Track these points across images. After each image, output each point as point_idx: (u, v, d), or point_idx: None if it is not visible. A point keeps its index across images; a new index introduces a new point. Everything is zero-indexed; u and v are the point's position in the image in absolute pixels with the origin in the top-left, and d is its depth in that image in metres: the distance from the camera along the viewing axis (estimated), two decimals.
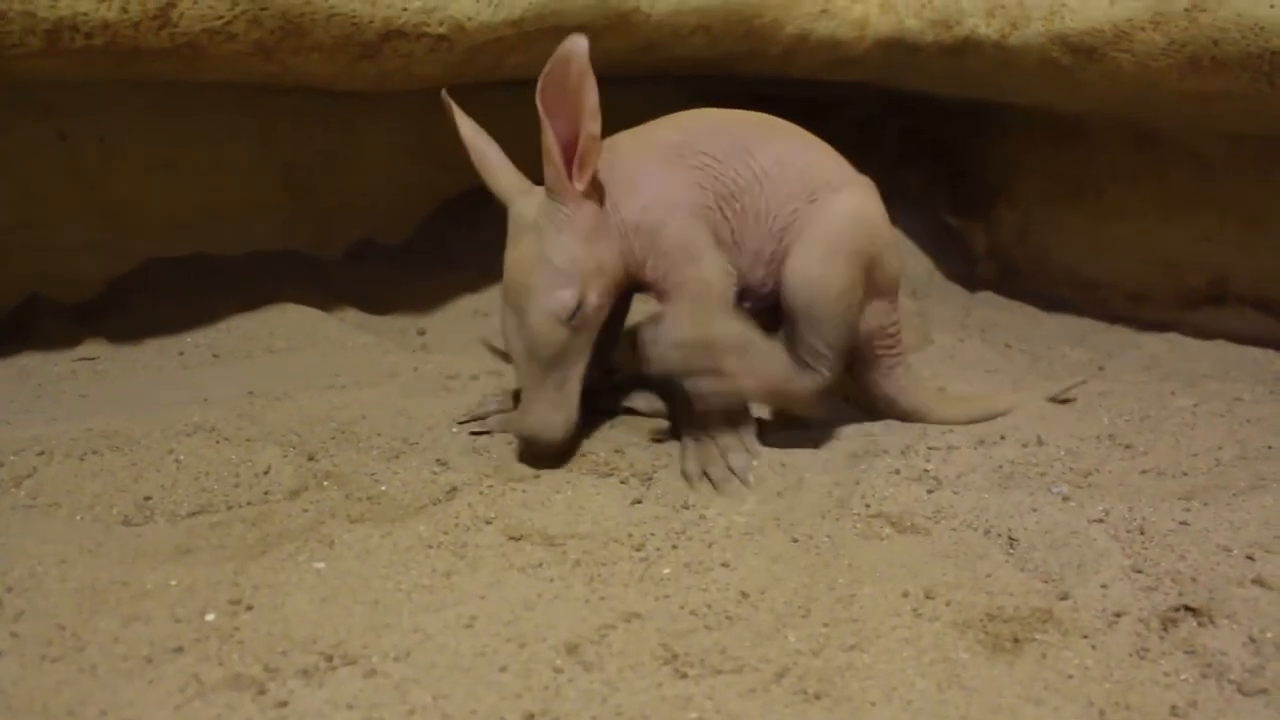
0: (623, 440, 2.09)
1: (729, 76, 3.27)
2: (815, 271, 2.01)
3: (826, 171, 2.12)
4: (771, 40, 2.91)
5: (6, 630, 1.38)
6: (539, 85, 1.77)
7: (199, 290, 2.81)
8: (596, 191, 1.90)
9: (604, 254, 1.91)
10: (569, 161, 1.84)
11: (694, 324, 1.90)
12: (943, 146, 4.10)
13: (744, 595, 1.59)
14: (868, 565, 1.71)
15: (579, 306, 1.88)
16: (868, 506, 1.92)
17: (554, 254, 1.86)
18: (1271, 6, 2.33)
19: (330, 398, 2.18)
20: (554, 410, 1.92)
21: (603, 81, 2.06)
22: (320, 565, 1.56)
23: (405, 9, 2.18)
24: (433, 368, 2.46)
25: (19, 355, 2.52)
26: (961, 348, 2.98)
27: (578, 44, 1.77)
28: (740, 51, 2.91)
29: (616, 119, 2.85)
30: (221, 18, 2.00)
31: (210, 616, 1.43)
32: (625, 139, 2.05)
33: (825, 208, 2.06)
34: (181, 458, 1.86)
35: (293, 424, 2.03)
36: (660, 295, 2.01)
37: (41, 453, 1.86)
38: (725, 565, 1.67)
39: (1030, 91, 3.09)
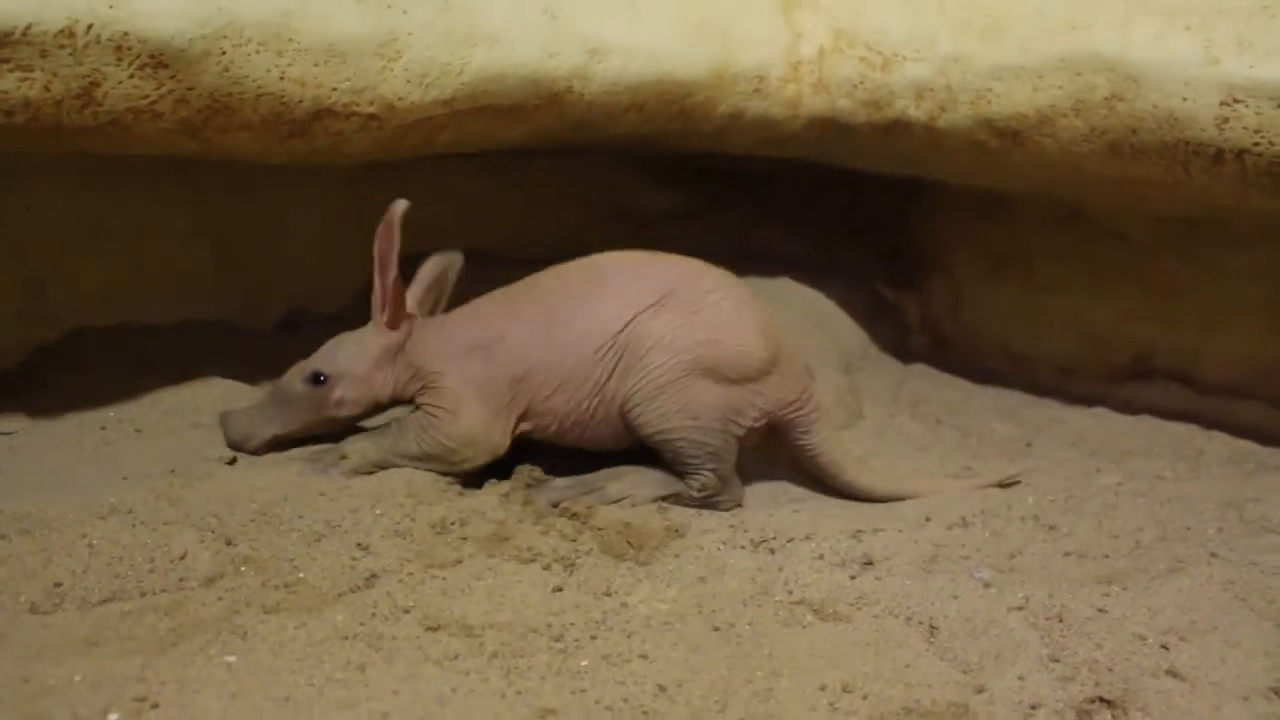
0: (549, 521, 2.08)
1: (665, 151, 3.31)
2: (650, 418, 2.23)
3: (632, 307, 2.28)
4: (705, 119, 2.95)
5: None
6: (379, 230, 2.20)
7: (124, 362, 2.76)
8: (405, 330, 2.31)
9: (378, 377, 2.31)
10: (384, 296, 2.27)
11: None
12: (878, 220, 4.16)
13: (661, 689, 1.59)
14: (787, 656, 1.71)
15: (324, 384, 2.28)
16: (790, 593, 1.92)
17: (347, 344, 2.31)
18: (1184, 100, 2.40)
19: (252, 477, 2.15)
20: (245, 423, 2.34)
21: (539, 154, 2.20)
22: (231, 659, 1.53)
23: (335, 89, 2.18)
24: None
25: None
26: (892, 423, 3.00)
27: (394, 210, 2.20)
28: (674, 130, 2.94)
29: (550, 191, 2.85)
30: (147, 97, 2.00)
31: (113, 716, 1.40)
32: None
33: (642, 347, 2.25)
34: (95, 542, 1.82)
35: (213, 505, 2.00)
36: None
37: None
38: (644, 657, 1.66)
39: (959, 171, 3.15)
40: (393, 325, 2.29)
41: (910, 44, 2.94)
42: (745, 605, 1.87)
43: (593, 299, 2.26)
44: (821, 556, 2.07)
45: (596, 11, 2.58)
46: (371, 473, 2.21)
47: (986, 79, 2.78)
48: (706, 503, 2.28)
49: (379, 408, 2.35)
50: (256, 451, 2.32)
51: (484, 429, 2.23)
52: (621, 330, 2.23)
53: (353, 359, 2.29)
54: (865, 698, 1.60)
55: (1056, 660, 1.71)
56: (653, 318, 2.23)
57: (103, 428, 2.46)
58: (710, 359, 2.23)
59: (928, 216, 3.93)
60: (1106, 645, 1.74)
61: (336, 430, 2.36)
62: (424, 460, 2.23)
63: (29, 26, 1.82)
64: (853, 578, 1.99)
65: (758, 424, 2.31)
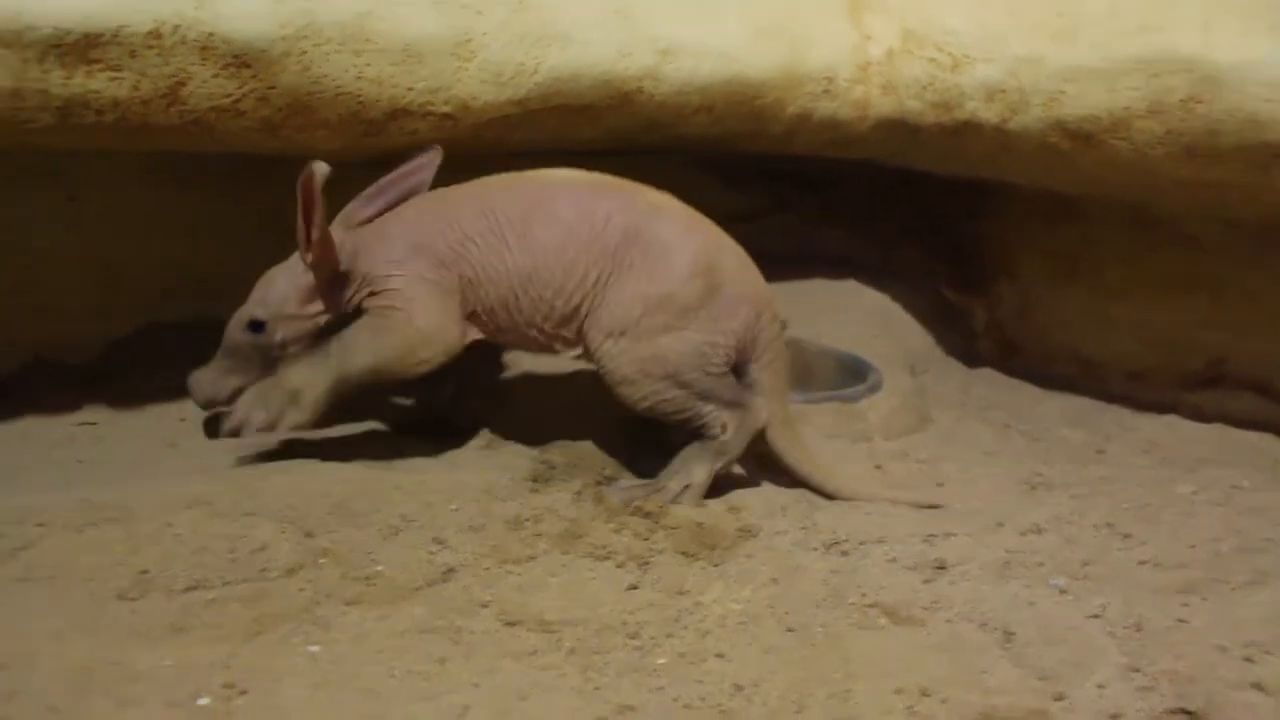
0: (621, 520, 2.08)
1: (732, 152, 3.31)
2: (634, 399, 2.25)
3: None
4: (773, 120, 2.95)
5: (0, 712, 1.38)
6: (300, 178, 2.12)
7: (195, 355, 2.81)
8: (329, 264, 2.25)
9: (310, 311, 2.29)
10: (309, 238, 2.20)
11: None
12: (943, 223, 4.12)
13: (738, 688, 1.59)
14: (862, 658, 1.70)
15: (262, 331, 2.27)
16: (864, 596, 1.92)
17: (273, 284, 2.30)
18: (1266, 101, 2.36)
19: (328, 471, 2.17)
20: (206, 383, 2.31)
21: (606, 155, 2.19)
22: (315, 649, 1.56)
23: (411, 88, 2.21)
24: (429, 442, 2.46)
25: (20, 418, 2.53)
26: (960, 428, 2.98)
27: (318, 169, 2.11)
28: (743, 131, 2.94)
29: None
30: (230, 96, 2.04)
31: (204, 701, 1.43)
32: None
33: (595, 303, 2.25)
34: (179, 532, 1.86)
35: (290, 498, 2.03)
36: None
37: (40, 524, 1.85)
38: (720, 656, 1.66)
39: (1029, 173, 3.13)
40: (317, 267, 2.26)
41: (981, 45, 2.91)
42: (819, 607, 1.87)
43: (540, 233, 2.23)
44: (894, 560, 2.05)
45: (668, 12, 2.59)
46: (324, 409, 2.24)
47: (1059, 80, 2.75)
48: (740, 434, 2.27)
49: (327, 332, 2.33)
50: (228, 403, 2.30)
51: (440, 325, 2.23)
52: (565, 275, 2.22)
53: (282, 299, 2.28)
54: (943, 702, 1.59)
55: (1136, 670, 1.69)
56: (595, 269, 2.22)
57: (181, 419, 2.51)
58: (657, 314, 2.21)
59: (994, 219, 3.89)
60: (1187, 656, 1.72)
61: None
62: (376, 371, 2.23)
63: (119, 28, 1.86)
64: (926, 582, 1.98)
65: (731, 352, 2.28)
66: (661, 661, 1.63)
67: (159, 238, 2.94)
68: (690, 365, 2.22)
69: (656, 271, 2.21)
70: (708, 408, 2.25)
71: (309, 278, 2.27)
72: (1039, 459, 2.79)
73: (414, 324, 2.21)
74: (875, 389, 2.91)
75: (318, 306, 2.29)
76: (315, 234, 2.17)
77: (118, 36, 1.87)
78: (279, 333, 2.27)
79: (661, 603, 1.80)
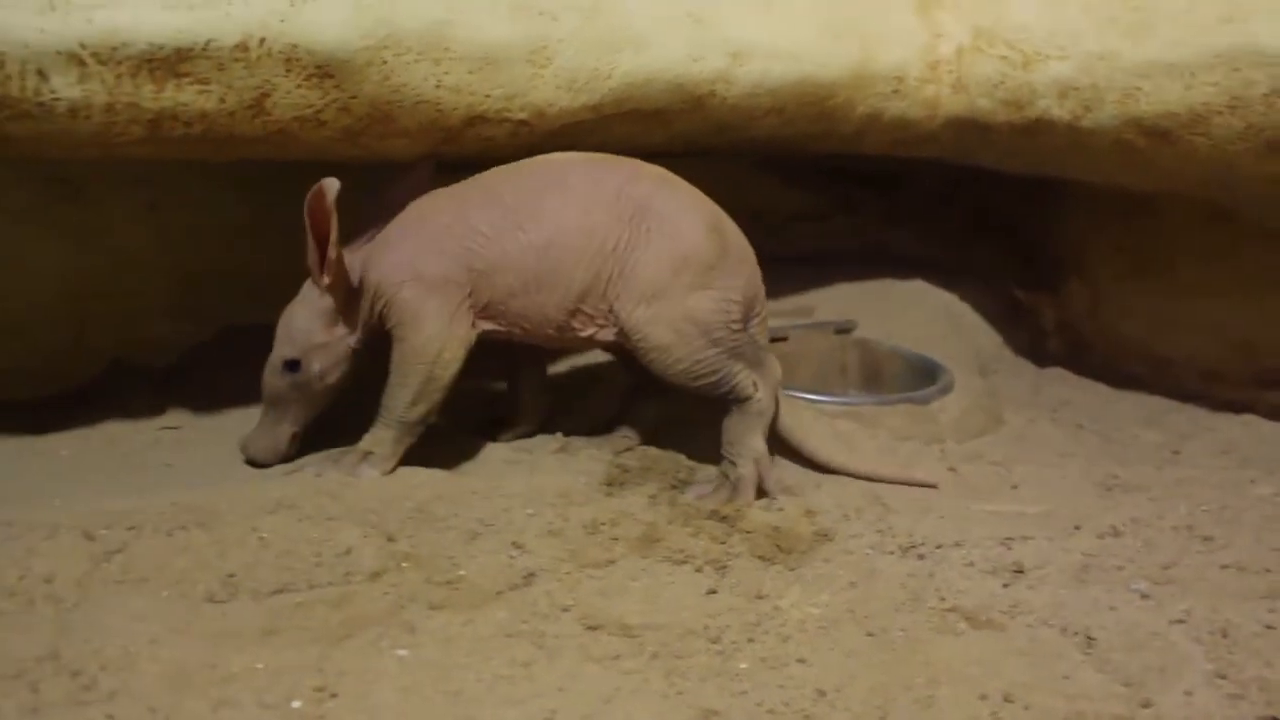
0: (697, 524, 2.09)
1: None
2: (673, 372, 2.29)
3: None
4: (843, 120, 2.94)
5: (102, 711, 1.42)
6: (307, 198, 2.14)
7: None
8: (344, 284, 2.29)
9: (338, 334, 2.32)
10: (322, 260, 2.22)
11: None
12: (1012, 221, 4.09)
13: (821, 693, 1.59)
14: (944, 663, 1.70)
15: (298, 369, 2.29)
16: (942, 600, 1.91)
17: (293, 321, 2.33)
18: None
19: (407, 475, 2.21)
20: (261, 438, 2.36)
21: (670, 157, 2.30)
22: (403, 653, 1.58)
23: (488, 95, 2.23)
24: (505, 446, 2.48)
25: (105, 422, 2.59)
26: (1033, 428, 2.95)
27: (328, 185, 2.13)
28: (813, 132, 2.93)
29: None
30: (312, 106, 2.07)
31: (297, 704, 1.46)
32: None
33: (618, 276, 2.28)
34: (265, 535, 1.90)
35: (372, 502, 2.06)
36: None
37: (131, 527, 1.90)
38: (802, 661, 1.67)
39: (1103, 171, 3.09)
40: (334, 289, 2.28)
41: (1053, 41, 2.88)
42: (897, 611, 1.86)
43: (554, 206, 2.26)
44: (972, 564, 2.05)
45: (739, 14, 2.59)
46: (398, 457, 2.26)
47: (1134, 77, 2.71)
48: (770, 391, 2.33)
49: (360, 355, 2.37)
50: (290, 456, 2.36)
51: (446, 326, 2.25)
52: (587, 244, 2.24)
53: (308, 330, 2.31)
54: (1027, 708, 1.58)
55: (1224, 677, 1.67)
56: (615, 235, 2.25)
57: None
58: (683, 274, 2.24)
59: (1065, 217, 3.85)
60: (1277, 663, 1.69)
61: (348, 391, 2.40)
62: (421, 399, 2.25)
63: (208, 42, 1.91)
64: (1005, 586, 1.97)
65: (741, 309, 2.32)
66: (744, 666, 1.64)
67: (237, 243, 3.00)
68: (718, 323, 2.27)
69: (675, 234, 2.26)
70: (738, 367, 2.28)
71: (326, 302, 2.30)
72: (1114, 460, 2.76)
73: (424, 333, 2.24)
74: (947, 390, 2.90)
75: (342, 329, 2.33)
76: (332, 253, 2.20)
77: (206, 50, 1.91)
78: (314, 364, 2.31)
79: (741, 607, 1.81)
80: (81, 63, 1.84)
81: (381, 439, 2.25)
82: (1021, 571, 2.03)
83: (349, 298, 2.30)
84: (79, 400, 2.72)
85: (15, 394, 2.71)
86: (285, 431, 2.35)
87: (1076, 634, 1.81)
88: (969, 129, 3.12)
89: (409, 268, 2.26)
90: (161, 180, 2.88)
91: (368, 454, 2.24)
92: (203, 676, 1.51)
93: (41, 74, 1.82)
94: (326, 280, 2.25)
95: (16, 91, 1.82)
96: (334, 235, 2.18)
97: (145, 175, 2.84)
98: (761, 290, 2.41)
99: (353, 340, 2.33)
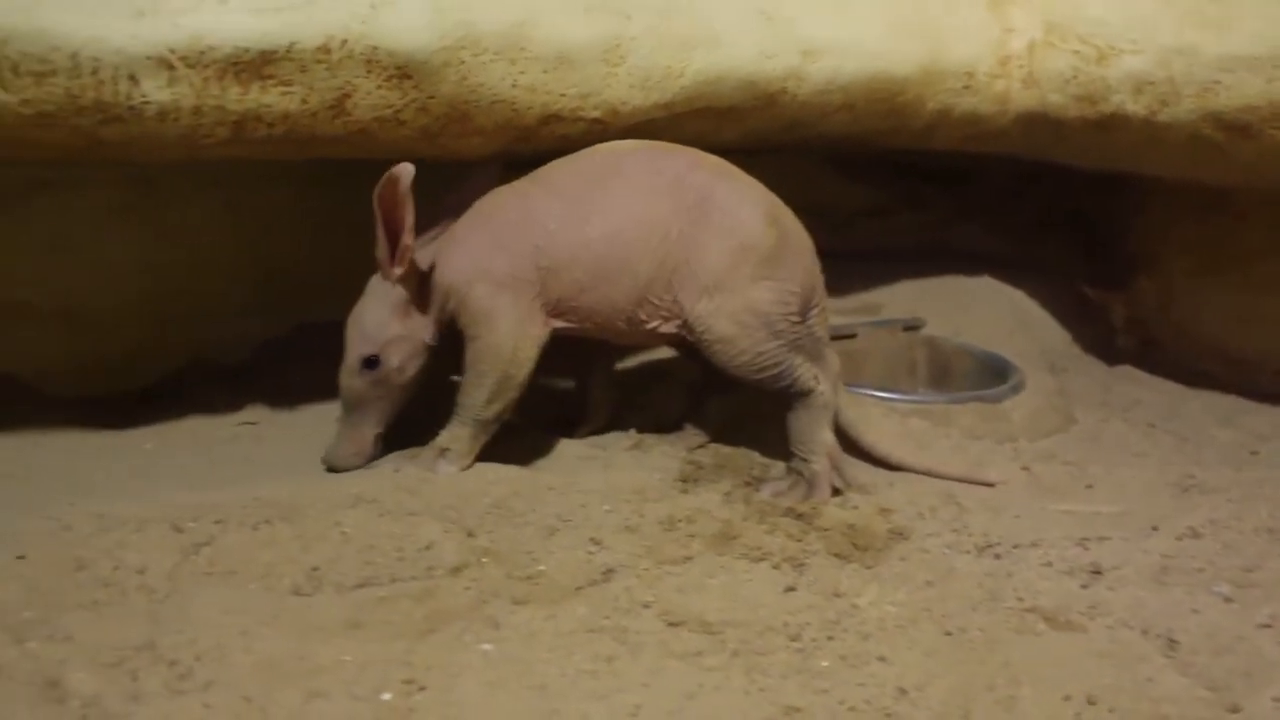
0: (773, 521, 2.10)
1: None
2: (737, 365, 2.28)
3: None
4: (913, 116, 2.92)
5: (199, 700, 1.45)
6: (377, 187, 2.12)
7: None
8: (415, 275, 2.27)
9: (413, 327, 2.30)
10: (393, 251, 2.21)
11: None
12: (1081, 216, 4.04)
13: (902, 692, 1.59)
14: (1024, 664, 1.69)
15: (377, 365, 2.26)
16: (1020, 600, 1.90)
17: (365, 317, 2.31)
18: None
19: (483, 471, 2.23)
20: (345, 443, 2.34)
21: (735, 153, 2.32)
22: (487, 647, 1.60)
23: (563, 94, 2.25)
24: (578, 443, 2.50)
25: (185, 418, 2.64)
26: (1105, 428, 2.92)
27: (404, 171, 2.12)
28: (882, 128, 2.92)
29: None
30: (392, 106, 2.10)
31: (386, 696, 1.48)
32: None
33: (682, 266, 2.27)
34: (346, 530, 1.93)
35: (450, 498, 2.09)
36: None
37: (218, 521, 1.93)
38: (882, 659, 1.67)
39: (1178, 166, 3.05)
40: (406, 279, 2.27)
41: (1128, 35, 2.85)
42: (975, 610, 1.86)
43: (617, 196, 2.26)
44: (1049, 564, 2.03)
45: (810, 11, 2.58)
46: (475, 454, 2.27)
47: (1214, 71, 2.68)
48: (831, 384, 2.34)
49: (434, 349, 2.35)
50: (375, 458, 2.35)
51: (519, 324, 2.25)
52: (651, 233, 2.24)
53: (381, 325, 2.29)
54: (1111, 711, 1.57)
55: None
56: (679, 224, 2.24)
57: (337, 419, 2.59)
58: (744, 265, 2.24)
59: (1135, 212, 3.80)
60: None
61: (422, 387, 2.39)
62: (497, 397, 2.25)
63: (291, 45, 1.94)
64: (1083, 587, 1.96)
65: (800, 300, 2.31)
66: (824, 664, 1.64)
67: (310, 240, 3.04)
68: (779, 314, 2.26)
69: (735, 224, 2.25)
70: (799, 360, 2.28)
71: (398, 294, 2.29)
72: (1189, 460, 2.72)
73: (497, 332, 2.24)
74: (1018, 389, 2.88)
75: (416, 321, 2.31)
76: (408, 240, 2.19)
77: (290, 53, 1.94)
78: (393, 358, 2.29)
79: (819, 604, 1.81)
80: (170, 67, 1.88)
81: (458, 436, 2.26)
82: (1099, 572, 2.02)
83: (420, 288, 2.30)
84: (159, 396, 2.78)
85: (98, 390, 2.77)
86: (368, 434, 2.33)
87: (1158, 636, 1.79)
88: (1040, 124, 3.09)
89: (478, 267, 2.26)
90: (237, 179, 2.92)
91: (445, 450, 2.25)
92: (293, 668, 1.54)
93: (133, 78, 1.86)
94: (398, 271, 2.24)
95: (109, 96, 1.86)
96: (409, 222, 2.17)
97: (221, 175, 2.89)
98: (820, 282, 2.40)
99: (427, 335, 2.32)
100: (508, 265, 2.24)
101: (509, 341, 2.24)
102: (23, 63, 1.78)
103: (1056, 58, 2.97)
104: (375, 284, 2.32)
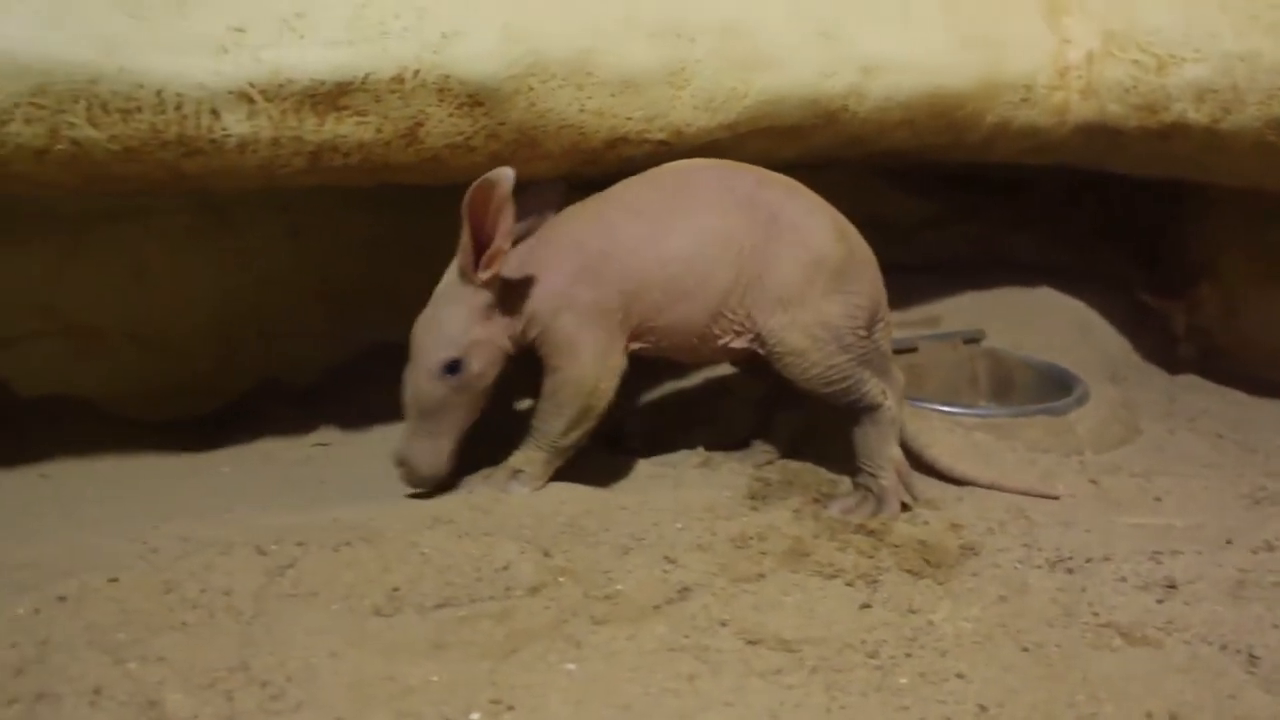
0: (844, 538, 2.11)
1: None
2: (807, 378, 2.30)
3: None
4: (972, 130, 2.93)
5: None
6: (468, 192, 2.09)
7: None
8: (497, 280, 2.24)
9: (494, 332, 2.25)
10: (479, 256, 2.17)
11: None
12: (1138, 224, 4.02)
13: (983, 709, 1.60)
14: (1102, 680, 1.69)
15: (459, 369, 2.20)
16: (1096, 615, 1.90)
17: (446, 321, 2.24)
18: None
19: (555, 491, 2.26)
20: (425, 454, 2.27)
21: (801, 168, 2.34)
22: (571, 666, 1.63)
23: (629, 118, 2.29)
24: (646, 460, 2.53)
25: (258, 440, 2.69)
26: (1172, 439, 2.90)
27: (504, 176, 2.09)
28: (940, 143, 2.93)
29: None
30: (463, 133, 2.14)
31: (475, 716, 1.51)
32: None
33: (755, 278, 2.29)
34: (425, 550, 1.95)
35: (524, 518, 2.12)
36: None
37: (300, 543, 1.97)
38: (960, 676, 1.67)
39: (1242, 173, 3.03)
40: (492, 283, 2.23)
41: (1189, 44, 2.84)
42: (1051, 626, 1.86)
43: (692, 212, 2.27)
44: (1124, 579, 2.03)
45: (869, 29, 2.60)
46: (548, 478, 2.28)
47: (1278, 76, 2.66)
48: (899, 400, 2.38)
49: (510, 357, 2.31)
50: (450, 469, 2.29)
51: (602, 356, 2.25)
52: (726, 248, 2.26)
53: (463, 328, 2.23)
54: None
55: None
56: (751, 239, 2.26)
57: (406, 432, 2.62)
58: (816, 279, 2.26)
59: (1195, 219, 3.78)
60: None
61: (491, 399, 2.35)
62: (575, 427, 2.25)
63: (366, 76, 1.99)
64: (1159, 601, 1.95)
65: (867, 315, 2.33)
66: (903, 681, 1.65)
67: (374, 262, 3.10)
68: (849, 328, 2.28)
69: (806, 239, 2.27)
70: (867, 374, 2.30)
71: (481, 297, 2.24)
72: (1260, 471, 2.70)
73: (581, 365, 2.24)
74: (1083, 400, 2.87)
75: (498, 325, 2.27)
76: (505, 245, 2.16)
77: (364, 84, 1.99)
78: (474, 363, 2.24)
79: (895, 621, 1.82)
80: (250, 100, 1.93)
81: (532, 459, 2.28)
82: (1174, 587, 2.01)
83: (503, 294, 2.26)
84: (232, 418, 2.84)
85: (172, 413, 2.84)
86: (445, 444, 2.27)
87: (1238, 652, 1.78)
88: (1099, 135, 3.08)
89: (564, 296, 2.25)
90: (302, 205, 2.99)
91: (518, 472, 2.27)
92: (383, 689, 1.57)
93: (215, 112, 1.92)
94: (484, 276, 2.20)
95: (192, 130, 1.92)
96: (505, 227, 2.14)
97: (288, 200, 2.96)
98: (884, 297, 2.42)
99: (507, 341, 2.28)
100: (593, 294, 2.24)
101: (591, 374, 2.24)
102: (111, 101, 1.84)
103: (1115, 67, 2.96)
104: (452, 288, 2.27)
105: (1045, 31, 2.98)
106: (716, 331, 2.31)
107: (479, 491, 2.26)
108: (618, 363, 2.28)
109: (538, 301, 2.26)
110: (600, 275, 2.25)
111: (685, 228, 2.26)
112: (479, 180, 2.08)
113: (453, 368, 2.23)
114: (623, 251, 2.26)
